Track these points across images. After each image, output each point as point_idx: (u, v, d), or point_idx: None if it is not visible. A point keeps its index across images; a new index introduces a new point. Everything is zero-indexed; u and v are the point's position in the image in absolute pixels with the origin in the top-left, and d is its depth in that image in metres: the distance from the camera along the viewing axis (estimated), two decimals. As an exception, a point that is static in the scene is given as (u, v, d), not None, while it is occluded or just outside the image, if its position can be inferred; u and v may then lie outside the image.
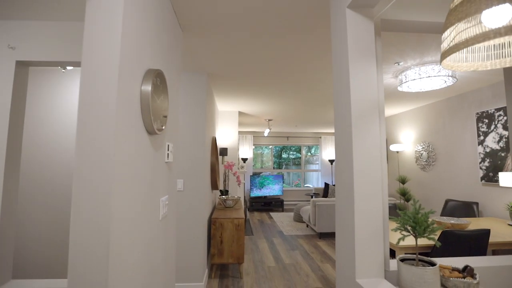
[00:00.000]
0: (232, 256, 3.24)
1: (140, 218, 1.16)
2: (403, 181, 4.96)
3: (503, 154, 3.46)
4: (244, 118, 6.13)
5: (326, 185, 7.64)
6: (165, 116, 1.44)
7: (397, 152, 5.27)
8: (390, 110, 5.48)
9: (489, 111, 3.64)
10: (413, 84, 3.10)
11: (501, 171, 3.46)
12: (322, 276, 3.40)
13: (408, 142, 5.28)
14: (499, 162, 3.49)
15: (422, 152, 4.87)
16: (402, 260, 1.21)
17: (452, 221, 2.80)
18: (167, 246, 1.65)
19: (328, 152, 8.76)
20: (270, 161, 9.14)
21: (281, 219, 6.78)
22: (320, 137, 8.83)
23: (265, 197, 8.11)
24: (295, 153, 12.34)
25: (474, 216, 3.61)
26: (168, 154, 1.62)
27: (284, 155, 12.61)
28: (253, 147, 9.05)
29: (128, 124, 1.02)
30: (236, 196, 3.96)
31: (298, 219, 6.47)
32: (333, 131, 8.61)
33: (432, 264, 1.15)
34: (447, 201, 3.98)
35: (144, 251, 1.22)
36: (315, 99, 4.39)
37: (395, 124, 5.69)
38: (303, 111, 5.44)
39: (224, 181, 4.44)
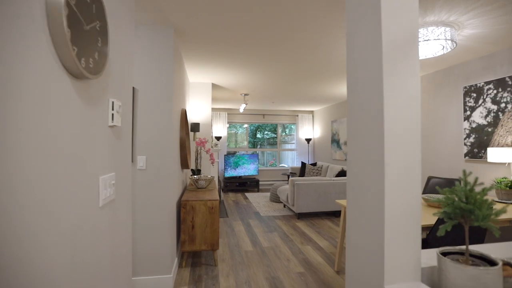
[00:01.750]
0: (206, 242, 2.87)
1: (55, 208, 0.71)
2: (383, 159, 4.82)
3: (490, 129, 3.33)
4: (218, 92, 5.61)
5: (303, 164, 7.44)
6: (104, 55, 0.96)
7: (378, 129, 5.11)
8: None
9: (478, 85, 3.47)
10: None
11: (487, 146, 3.35)
12: (303, 260, 3.15)
13: (389, 119, 5.11)
14: (485, 137, 3.37)
15: (403, 129, 4.71)
16: (444, 254, 0.89)
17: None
18: (115, 237, 1.21)
19: (305, 130, 8.52)
20: (245, 140, 8.74)
21: (257, 200, 6.50)
22: (297, 115, 8.54)
23: (240, 177, 7.78)
24: (269, 133, 12.07)
25: (456, 193, 3.51)
26: (112, 115, 1.15)
27: (259, 135, 12.30)
28: (228, 125, 8.57)
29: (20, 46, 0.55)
30: (209, 176, 3.55)
31: (275, 199, 6.24)
32: (310, 109, 8.35)
33: (486, 260, 0.83)
34: (429, 178, 3.87)
35: (73, 248, 0.78)
36: (298, 71, 3.99)
37: (376, 101, 5.49)
38: (283, 85, 5.04)
39: (196, 159, 3.98)
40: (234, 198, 6.80)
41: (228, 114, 8.24)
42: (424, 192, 3.82)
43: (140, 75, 2.44)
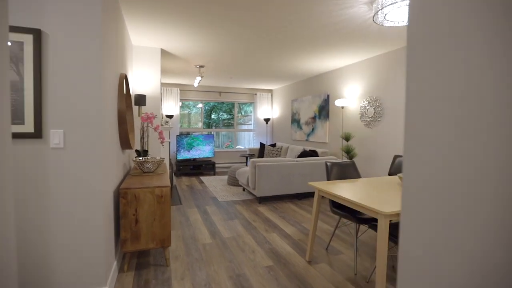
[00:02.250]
0: (154, 239, 2.31)
1: None
2: (347, 138, 4.65)
3: (457, 107, 3.26)
4: (169, 61, 4.83)
5: (262, 145, 7.09)
6: None
7: (342, 107, 4.91)
8: (335, 62, 4.98)
9: (447, 60, 3.35)
10: (391, 13, 2.47)
11: (454, 125, 3.28)
12: (270, 250, 2.79)
13: (353, 97, 4.93)
14: (452, 115, 3.30)
15: (368, 108, 4.57)
16: None
17: None
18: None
19: (263, 110, 8.13)
20: (200, 122, 8.05)
21: (214, 184, 6.00)
22: (256, 94, 8.08)
23: (194, 159, 7.15)
24: (225, 114, 11.47)
25: (422, 172, 3.44)
26: None
27: (214, 116, 11.64)
28: (180, 103, 7.76)
29: None
30: (158, 158, 2.93)
31: (233, 182, 5.80)
32: (270, 87, 7.94)
33: None
34: (395, 157, 3.76)
35: None
36: (264, 40, 3.47)
37: (340, 78, 5.27)
38: (243, 58, 4.48)
39: (142, 138, 3.30)
40: (188, 182, 6.20)
41: (180, 90, 7.42)
42: (391, 171, 3.71)
43: (51, 15, 1.70)
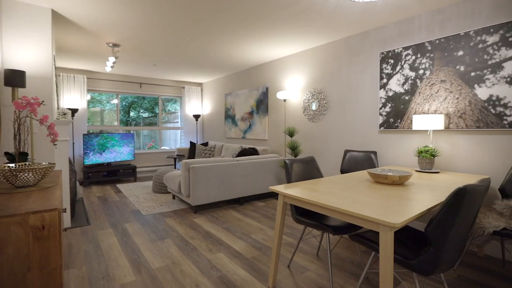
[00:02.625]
0: (31, 301, 1.36)
1: None
2: (291, 133, 4.27)
3: (407, 98, 3.16)
4: (69, 35, 3.60)
5: (192, 144, 6.24)
6: None
7: (284, 100, 4.51)
8: (275, 52, 4.56)
9: (396, 51, 3.24)
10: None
11: (404, 116, 3.17)
12: (220, 279, 2.10)
13: (295, 90, 4.59)
14: (402, 106, 3.20)
15: (311, 101, 4.27)
16: None
17: (390, 173, 2.13)
18: None
19: (192, 105, 7.26)
20: (116, 121, 6.68)
21: (135, 192, 4.90)
22: (183, 88, 7.16)
23: (108, 163, 5.82)
24: (147, 112, 10.13)
25: (373, 166, 3.26)
26: None
27: (133, 114, 10.16)
28: (88, 96, 6.27)
29: None
30: (45, 163, 1.91)
31: (160, 189, 4.83)
32: (199, 80, 7.12)
33: None
34: (346, 152, 3.52)
35: None
36: (193, 23, 2.71)
37: (280, 69, 4.88)
38: (170, 41, 3.62)
39: (17, 135, 2.17)
40: (100, 193, 4.92)
41: (88, 78, 5.96)
42: (343, 167, 3.43)
43: None
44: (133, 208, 3.98)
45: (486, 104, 2.61)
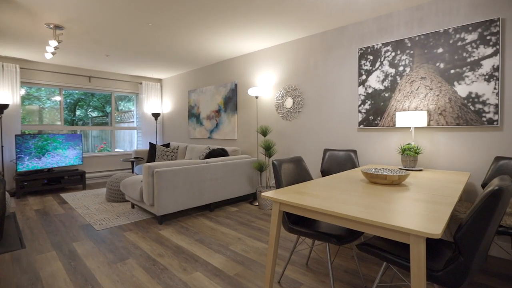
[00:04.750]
0: None
1: None
2: (264, 132, 4.00)
3: (387, 95, 3.08)
4: (-11, 8, 2.87)
5: (152, 146, 5.65)
6: None
7: (256, 97, 4.22)
8: (245, 46, 4.26)
9: (375, 47, 3.15)
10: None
11: (383, 113, 3.10)
12: (202, 308, 1.72)
13: (267, 86, 4.33)
14: (382, 103, 3.12)
15: (286, 98, 4.06)
16: None
17: (385, 172, 1.97)
18: None
19: (151, 103, 6.61)
20: (59, 121, 5.77)
21: (85, 202, 4.20)
22: (141, 83, 6.48)
23: (50, 169, 4.97)
24: (96, 111, 9.11)
25: (355, 165, 3.13)
26: None
27: (80, 112, 9.06)
28: (23, 91, 5.30)
29: None
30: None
31: (116, 197, 4.20)
32: (158, 76, 6.50)
33: None
34: (325, 151, 3.35)
35: None
36: (152, 8, 2.27)
37: (251, 64, 4.59)
38: (125, 27, 3.09)
39: None
40: (39, 205, 4.13)
41: (21, 69, 5.02)
42: (323, 167, 3.25)
43: None
44: (83, 222, 3.35)
45: (465, 101, 2.61)
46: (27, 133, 5.32)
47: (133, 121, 7.14)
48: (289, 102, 4.01)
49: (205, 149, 4.84)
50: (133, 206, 3.91)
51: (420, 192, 1.72)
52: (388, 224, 1.17)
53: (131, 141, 7.43)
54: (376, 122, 3.16)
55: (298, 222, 1.95)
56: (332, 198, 1.57)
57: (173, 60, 5.03)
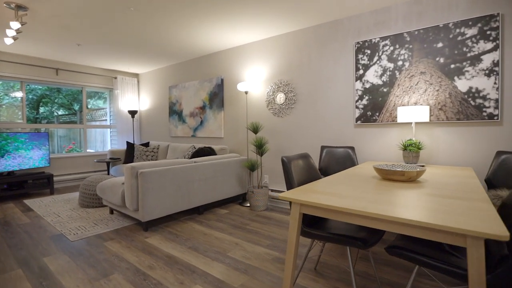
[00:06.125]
0: None
1: None
2: (255, 129, 3.80)
3: (385, 90, 3.01)
4: None
5: (130, 145, 5.22)
6: None
7: (246, 93, 4.00)
8: (233, 39, 4.04)
9: (373, 41, 3.07)
10: None
11: (382, 108, 3.02)
12: (211, 329, 1.48)
13: (257, 81, 4.13)
14: (380, 99, 3.04)
15: (277, 93, 3.88)
16: None
17: (399, 168, 1.85)
18: None
19: (127, 100, 6.15)
20: (20, 119, 5.14)
21: (55, 209, 3.74)
22: (115, 78, 5.99)
23: (10, 173, 4.39)
24: (62, 109, 8.39)
25: (353, 162, 3.02)
26: None
27: (44, 110, 8.28)
28: (-25, 81, 4.65)
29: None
30: None
31: (92, 203, 3.78)
32: (135, 71, 6.05)
33: None
34: (323, 148, 3.21)
35: None
36: None
37: (238, 58, 4.36)
38: (109, 6, 2.75)
39: None
40: (-2, 213, 3.60)
41: (-26, 58, 4.39)
42: (321, 165, 3.11)
43: None
44: (54, 232, 2.94)
45: (466, 96, 2.59)
46: (-18, 131, 4.68)
47: (105, 119, 6.61)
48: (281, 98, 3.84)
49: (189, 148, 4.53)
50: (112, 211, 3.52)
51: (442, 188, 1.61)
52: (443, 226, 1.02)
53: (103, 140, 6.87)
54: (374, 117, 3.08)
55: (314, 225, 1.77)
56: (359, 197, 1.41)
57: (153, 53, 4.67)
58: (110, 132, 6.38)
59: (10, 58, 4.71)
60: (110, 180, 3.40)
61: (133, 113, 5.91)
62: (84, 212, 3.60)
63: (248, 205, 3.90)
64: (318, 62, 3.50)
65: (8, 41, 3.12)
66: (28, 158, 4.55)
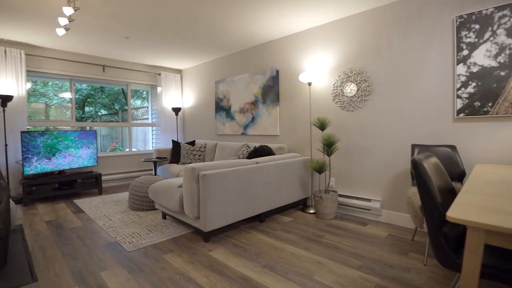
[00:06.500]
0: None
1: None
2: (323, 125, 3.30)
3: (502, 73, 2.37)
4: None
5: (176, 144, 4.96)
6: None
7: (309, 84, 3.52)
8: (292, 24, 3.56)
9: (484, 12, 2.43)
10: None
11: (498, 97, 2.38)
12: None
13: (320, 71, 3.63)
14: (495, 85, 2.40)
15: (346, 84, 3.35)
16: None
17: None
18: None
19: (171, 96, 5.92)
20: (70, 118, 5.07)
21: (105, 211, 3.52)
22: (159, 74, 5.79)
23: (61, 172, 4.29)
24: (104, 109, 8.47)
25: (457, 165, 2.42)
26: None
27: (90, 109, 8.40)
28: (29, 86, 4.62)
29: None
30: None
31: (141, 205, 3.52)
32: (178, 66, 5.80)
33: None
34: (413, 147, 2.64)
35: None
36: None
37: (297, 47, 3.88)
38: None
39: None
40: (51, 215, 3.45)
41: (27, 55, 4.34)
42: (416, 170, 2.51)
43: None
44: (108, 239, 2.66)
45: None
46: (33, 130, 4.66)
47: (147, 118, 6.47)
48: (351, 89, 3.30)
49: (241, 147, 4.14)
50: (164, 216, 3.22)
51: None
52: None
53: (145, 139, 6.76)
54: (485, 109, 2.44)
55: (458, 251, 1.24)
56: None
57: (201, 45, 4.34)
58: (152, 130, 6.22)
59: (60, 56, 4.63)
60: (163, 182, 3.09)
61: (177, 110, 5.67)
62: (135, 215, 3.33)
63: (313, 211, 3.41)
64: (401, 45, 2.91)
65: (60, 31, 2.91)
66: (77, 156, 4.43)
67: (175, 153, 4.90)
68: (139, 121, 6.74)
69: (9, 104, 4.05)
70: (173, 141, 5.00)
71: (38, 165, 4.00)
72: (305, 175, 3.58)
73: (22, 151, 3.85)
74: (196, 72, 5.77)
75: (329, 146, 3.19)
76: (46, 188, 4.04)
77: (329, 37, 3.51)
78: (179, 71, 6.18)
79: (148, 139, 6.51)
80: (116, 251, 2.37)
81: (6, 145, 3.94)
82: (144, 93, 6.66)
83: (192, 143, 5.12)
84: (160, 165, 4.88)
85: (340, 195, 3.42)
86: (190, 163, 4.72)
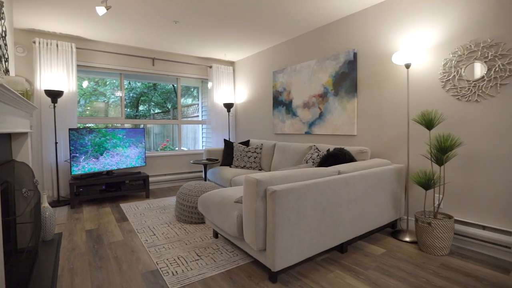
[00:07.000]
0: None
1: None
2: (430, 123, 2.35)
3: None
4: None
5: (229, 144, 4.38)
6: None
7: (407, 66, 2.60)
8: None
9: None
10: None
11: None
12: None
13: (422, 48, 2.67)
14: None
15: (465, 64, 2.35)
16: None
17: None
18: None
19: (223, 91, 5.38)
20: (120, 113, 4.80)
21: (149, 221, 3.04)
22: (211, 67, 5.28)
23: (109, 172, 3.99)
24: (157, 107, 8.36)
25: None
26: None
27: (143, 107, 8.37)
28: (85, 85, 4.44)
29: None
30: None
31: (190, 217, 2.96)
32: (230, 58, 5.22)
33: None
34: None
35: None
36: None
37: (385, 19, 2.96)
38: None
39: None
40: (94, 222, 3.08)
41: (78, 48, 4.13)
42: None
43: None
44: (148, 264, 2.11)
45: None
46: (81, 127, 4.47)
47: (197, 115, 6.04)
48: (474, 70, 2.30)
49: (308, 149, 3.37)
50: (216, 235, 2.60)
51: None
52: None
53: (195, 138, 6.37)
54: None
55: None
56: None
57: (258, 29, 3.65)
58: (202, 128, 5.76)
59: (109, 49, 4.36)
60: (216, 192, 2.46)
61: (229, 106, 5.10)
62: (182, 230, 2.78)
63: (410, 240, 2.49)
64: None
65: (101, 10, 2.45)
66: (125, 156, 4.10)
67: (227, 154, 4.31)
68: (189, 119, 6.38)
69: (59, 100, 3.85)
70: (225, 140, 4.42)
71: (85, 165, 3.72)
72: (397, 190, 2.66)
73: (70, 150, 3.59)
74: (250, 63, 5.13)
75: (443, 152, 2.23)
76: (93, 190, 3.75)
77: (431, 3, 2.53)
78: (231, 63, 5.61)
79: (198, 137, 6.11)
80: (155, 287, 1.79)
81: (56, 143, 3.73)
82: (195, 91, 6.28)
83: (246, 143, 4.49)
84: (211, 167, 4.34)
85: (456, 221, 2.44)
86: (245, 166, 4.08)
